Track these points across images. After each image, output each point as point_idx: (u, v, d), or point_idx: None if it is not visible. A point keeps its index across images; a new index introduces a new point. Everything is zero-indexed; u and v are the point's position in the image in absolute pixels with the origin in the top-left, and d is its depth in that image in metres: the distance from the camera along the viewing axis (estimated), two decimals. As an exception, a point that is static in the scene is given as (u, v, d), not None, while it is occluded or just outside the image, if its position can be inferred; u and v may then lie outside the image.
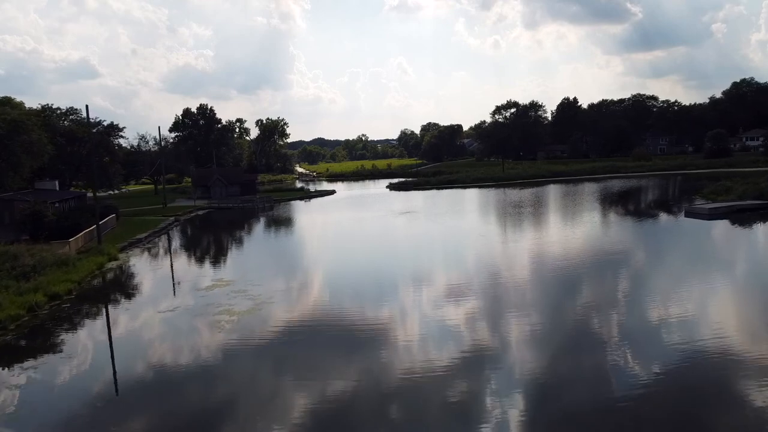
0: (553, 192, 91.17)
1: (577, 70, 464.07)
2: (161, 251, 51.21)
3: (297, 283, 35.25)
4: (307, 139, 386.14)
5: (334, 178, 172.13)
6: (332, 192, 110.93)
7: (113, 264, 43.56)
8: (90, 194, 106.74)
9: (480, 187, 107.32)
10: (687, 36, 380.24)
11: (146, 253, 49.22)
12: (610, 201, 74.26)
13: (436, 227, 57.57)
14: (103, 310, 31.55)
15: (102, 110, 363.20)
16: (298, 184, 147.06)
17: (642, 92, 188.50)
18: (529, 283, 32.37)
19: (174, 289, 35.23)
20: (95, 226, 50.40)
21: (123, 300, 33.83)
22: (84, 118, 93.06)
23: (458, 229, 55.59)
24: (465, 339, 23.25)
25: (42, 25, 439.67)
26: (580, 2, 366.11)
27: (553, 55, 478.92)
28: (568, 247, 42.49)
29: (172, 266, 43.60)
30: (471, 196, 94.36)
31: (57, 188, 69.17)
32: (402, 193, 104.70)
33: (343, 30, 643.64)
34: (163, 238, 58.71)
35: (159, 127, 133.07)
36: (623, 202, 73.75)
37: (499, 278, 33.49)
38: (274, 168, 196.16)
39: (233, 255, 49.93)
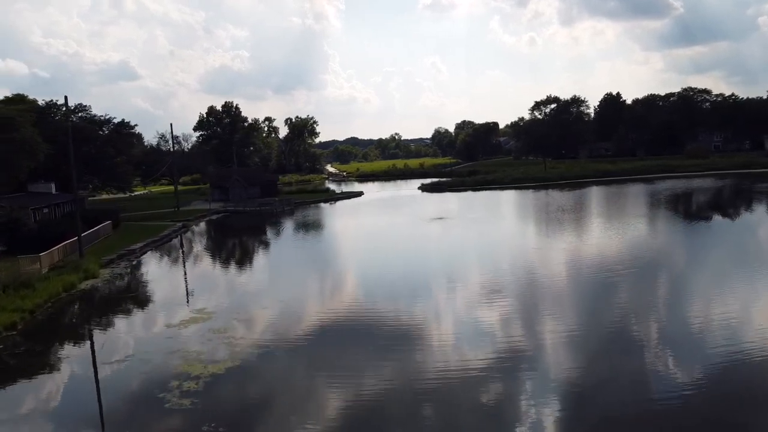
0: (605, 194, 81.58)
1: (615, 67, 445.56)
2: (150, 267, 43.98)
3: (294, 321, 27.04)
4: (341, 138, 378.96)
5: (364, 178, 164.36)
6: (359, 194, 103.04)
7: (88, 284, 36.37)
8: (89, 197, 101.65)
9: (519, 188, 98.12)
10: (731, 30, 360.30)
11: (132, 269, 42.01)
12: (680, 205, 64.57)
13: (477, 238, 48.96)
14: (41, 357, 24.10)
15: (142, 112, 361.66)
16: (328, 185, 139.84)
17: (684, 88, 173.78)
18: (637, 325, 23.80)
19: (140, 325, 27.73)
20: (77, 236, 43.40)
21: (71, 340, 26.36)
22: (94, 116, 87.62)
23: (506, 241, 46.99)
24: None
25: (84, 28, 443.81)
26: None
27: (589, 52, 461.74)
28: (665, 270, 33.63)
29: (153, 288, 36.28)
30: (511, 198, 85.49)
31: (53, 191, 62.74)
32: (435, 194, 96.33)
33: (377, 29, 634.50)
34: (160, 249, 51.54)
35: (171, 125, 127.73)
36: (700, 208, 63.44)
37: (582, 312, 25.03)
38: (303, 168, 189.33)
39: (228, 274, 41.60)
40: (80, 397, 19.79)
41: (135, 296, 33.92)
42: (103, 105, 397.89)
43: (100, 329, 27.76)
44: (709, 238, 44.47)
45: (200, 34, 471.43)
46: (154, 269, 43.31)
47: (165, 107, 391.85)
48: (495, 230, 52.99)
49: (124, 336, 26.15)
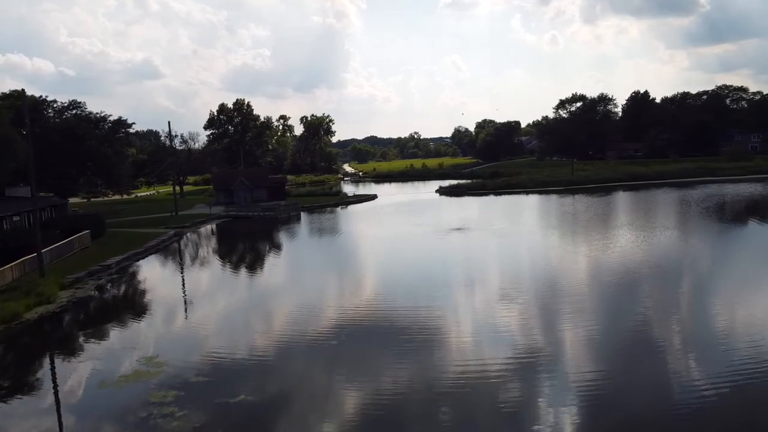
0: (643, 201, 74.06)
1: (639, 65, 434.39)
2: (117, 289, 37.45)
3: (260, 390, 20.65)
4: (360, 137, 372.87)
5: (381, 178, 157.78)
6: (373, 197, 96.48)
7: (37, 312, 30.41)
8: (91, 199, 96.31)
9: (545, 192, 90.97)
10: (759, 28, 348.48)
11: (99, 291, 35.88)
12: (748, 212, 56.97)
13: (504, 256, 42.19)
14: None
15: (165, 110, 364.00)
16: (343, 185, 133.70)
17: (711, 87, 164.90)
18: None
19: (70, 382, 21.44)
20: (37, 251, 37.55)
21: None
22: (90, 113, 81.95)
23: (536, 260, 40.02)
24: None
25: (109, 27, 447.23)
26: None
27: (612, 51, 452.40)
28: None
29: (108, 322, 29.76)
30: (536, 204, 78.35)
31: (30, 195, 56.93)
32: (453, 198, 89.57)
33: (397, 28, 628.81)
34: (140, 264, 45.35)
35: (169, 122, 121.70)
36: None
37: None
38: (318, 168, 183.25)
39: (202, 307, 32.58)
40: None
41: (82, 333, 27.76)
42: (128, 104, 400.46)
43: (16, 388, 21.42)
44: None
45: (222, 33, 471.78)
46: (121, 293, 36.83)
47: (187, 106, 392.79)
48: (523, 245, 46.08)
49: (42, 400, 19.98)
